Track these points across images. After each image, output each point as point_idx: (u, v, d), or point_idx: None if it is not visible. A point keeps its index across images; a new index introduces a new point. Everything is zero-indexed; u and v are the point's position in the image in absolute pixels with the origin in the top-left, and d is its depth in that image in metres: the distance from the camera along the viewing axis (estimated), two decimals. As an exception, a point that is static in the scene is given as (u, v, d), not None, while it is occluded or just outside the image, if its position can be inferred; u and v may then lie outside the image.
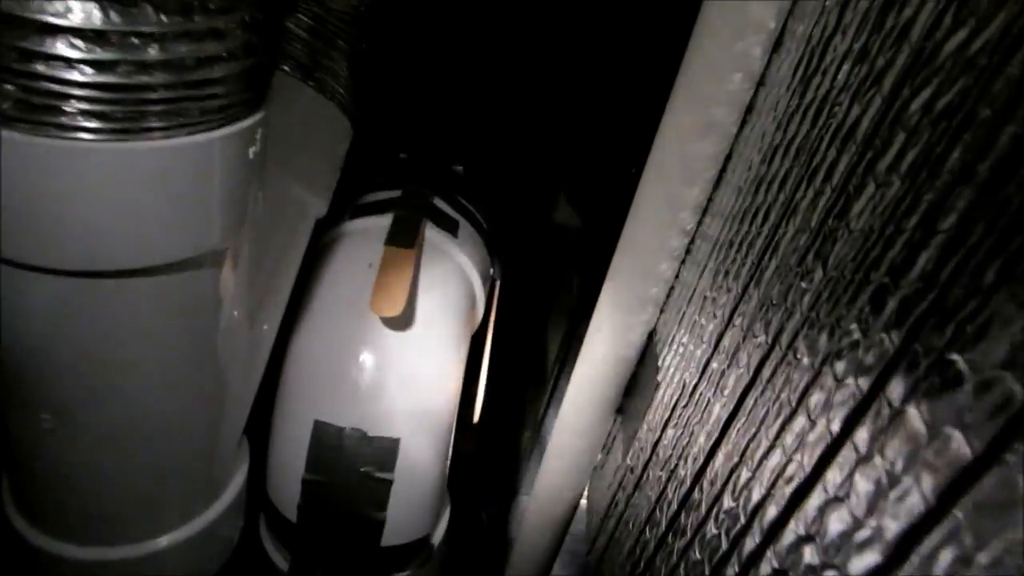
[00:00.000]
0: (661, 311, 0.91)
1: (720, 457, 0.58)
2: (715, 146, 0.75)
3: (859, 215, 0.46)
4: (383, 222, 1.27)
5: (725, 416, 0.58)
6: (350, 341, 1.14)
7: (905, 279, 0.39)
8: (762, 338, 0.54)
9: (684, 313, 0.79)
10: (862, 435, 0.39)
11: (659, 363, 0.87)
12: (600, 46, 1.66)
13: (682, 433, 0.70)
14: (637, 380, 0.95)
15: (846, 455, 0.40)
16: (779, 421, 0.49)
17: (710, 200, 0.79)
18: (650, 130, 0.86)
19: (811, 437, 0.45)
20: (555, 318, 2.07)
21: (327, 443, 1.13)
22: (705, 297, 0.72)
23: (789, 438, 0.48)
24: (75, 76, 0.60)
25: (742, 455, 0.54)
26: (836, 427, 0.42)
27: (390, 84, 1.78)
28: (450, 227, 1.32)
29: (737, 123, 0.73)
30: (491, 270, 1.43)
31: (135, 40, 0.61)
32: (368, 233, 1.26)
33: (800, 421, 0.47)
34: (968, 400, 0.31)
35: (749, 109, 0.71)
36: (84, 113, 0.63)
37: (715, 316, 0.67)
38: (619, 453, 0.97)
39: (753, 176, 0.65)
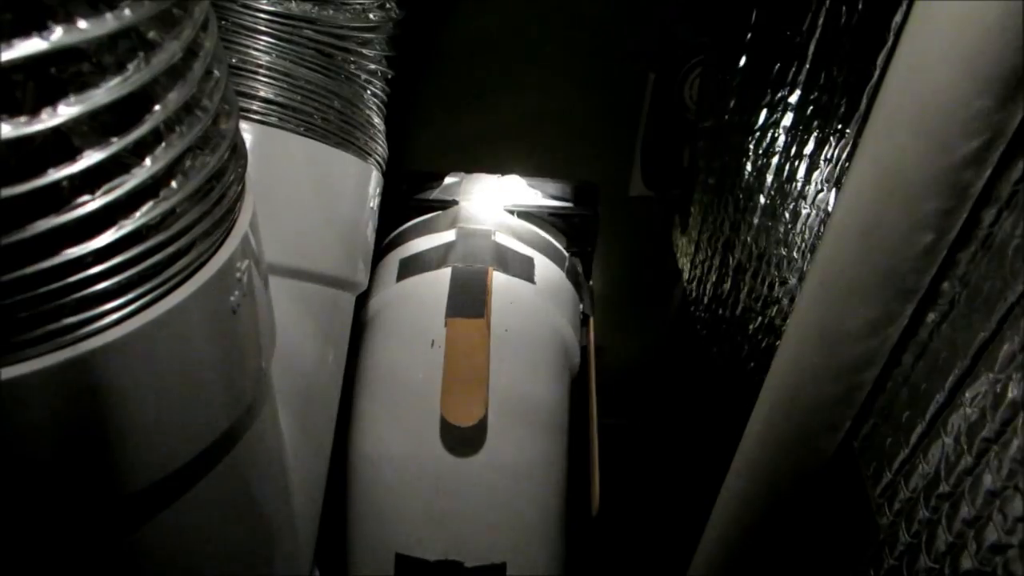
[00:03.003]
0: (866, 415, 0.62)
1: None
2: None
3: None
4: (439, 281, 1.00)
5: None
6: (423, 452, 0.89)
7: None
8: None
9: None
10: None
11: (878, 498, 0.59)
12: None
13: None
14: (836, 509, 0.67)
15: None
16: None
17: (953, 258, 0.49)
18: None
19: None
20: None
21: (416, 582, 0.89)
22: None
23: None
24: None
25: None
26: None
27: (420, 90, 1.49)
28: (525, 270, 1.04)
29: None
30: (580, 306, 1.15)
31: None
32: (423, 298, 0.99)
33: None
34: None
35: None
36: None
37: None
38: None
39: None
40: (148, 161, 0.41)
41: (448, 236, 1.07)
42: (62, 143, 0.38)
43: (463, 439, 0.88)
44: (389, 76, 0.93)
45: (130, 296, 0.44)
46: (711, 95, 1.37)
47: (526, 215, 1.18)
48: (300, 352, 0.85)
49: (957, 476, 0.49)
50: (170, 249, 0.45)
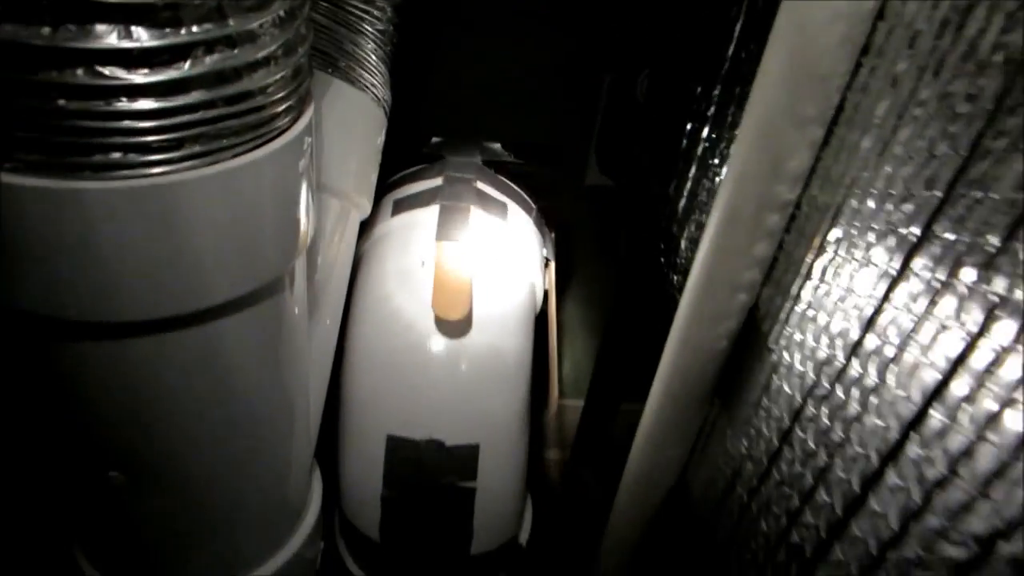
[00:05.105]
0: (763, 286, 0.83)
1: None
2: (821, 102, 0.66)
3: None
4: (429, 215, 1.19)
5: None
6: (415, 349, 1.07)
7: None
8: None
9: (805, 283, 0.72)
10: None
11: (771, 344, 0.79)
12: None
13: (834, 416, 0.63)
14: (742, 364, 0.87)
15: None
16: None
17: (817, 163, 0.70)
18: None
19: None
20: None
21: (404, 458, 1.07)
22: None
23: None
24: (105, 107, 0.53)
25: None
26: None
27: (415, 62, 1.67)
28: (500, 212, 1.24)
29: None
30: (543, 251, 1.35)
31: (166, 57, 0.53)
32: (415, 228, 1.18)
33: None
34: None
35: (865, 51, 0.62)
36: (116, 148, 0.55)
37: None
38: (724, 441, 0.90)
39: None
40: (268, 37, 0.60)
41: (436, 182, 1.26)
42: (218, 12, 0.56)
43: (448, 336, 1.06)
44: (395, 40, 1.13)
45: (246, 137, 0.62)
46: (654, 102, 1.59)
47: (501, 171, 1.38)
48: (318, 250, 1.02)
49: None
50: (273, 109, 0.63)
